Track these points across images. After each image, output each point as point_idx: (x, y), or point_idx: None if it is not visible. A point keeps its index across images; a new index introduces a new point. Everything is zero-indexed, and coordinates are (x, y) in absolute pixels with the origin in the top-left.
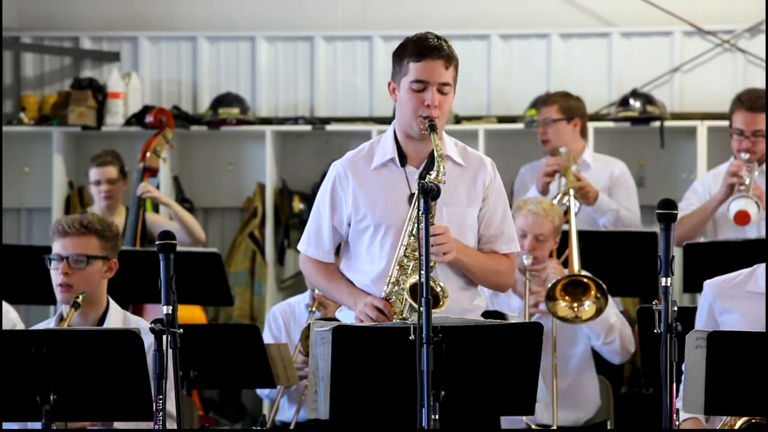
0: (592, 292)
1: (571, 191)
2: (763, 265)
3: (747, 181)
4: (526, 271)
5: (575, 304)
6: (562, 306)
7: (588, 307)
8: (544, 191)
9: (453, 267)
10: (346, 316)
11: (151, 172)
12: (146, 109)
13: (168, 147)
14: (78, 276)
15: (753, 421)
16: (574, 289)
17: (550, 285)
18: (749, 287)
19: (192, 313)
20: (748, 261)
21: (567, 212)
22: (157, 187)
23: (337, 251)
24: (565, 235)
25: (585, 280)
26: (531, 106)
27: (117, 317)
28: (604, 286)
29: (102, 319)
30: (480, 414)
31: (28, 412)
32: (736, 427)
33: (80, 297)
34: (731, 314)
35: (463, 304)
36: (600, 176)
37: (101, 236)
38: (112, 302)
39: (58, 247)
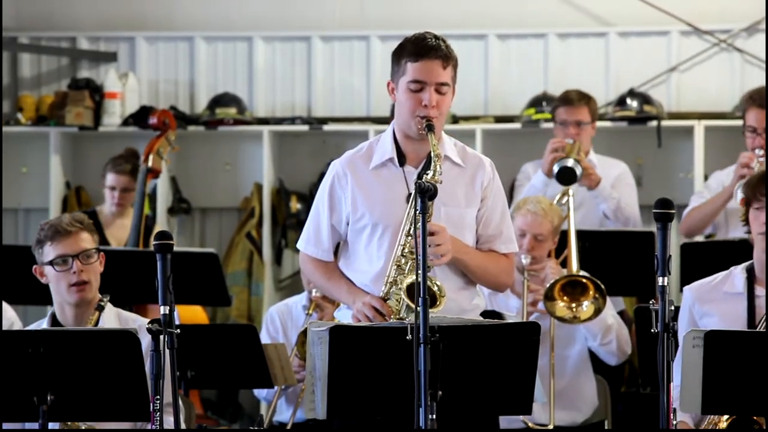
0: (591, 293)
1: (570, 191)
2: (739, 267)
3: None
4: (525, 270)
5: (573, 305)
6: (561, 306)
7: (586, 307)
8: (549, 172)
9: (452, 266)
10: (345, 316)
11: (154, 173)
12: (143, 110)
13: (170, 149)
14: (89, 271)
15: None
16: (573, 289)
17: (548, 285)
18: (726, 288)
19: (194, 313)
20: (745, 260)
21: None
22: (155, 188)
23: (336, 250)
24: (564, 235)
25: (583, 280)
26: (528, 105)
27: (111, 316)
28: (603, 287)
29: (98, 319)
30: (477, 414)
31: (26, 413)
32: (721, 425)
33: (105, 300)
34: (710, 317)
35: (462, 304)
36: (604, 177)
37: (91, 230)
38: None
39: (60, 248)
